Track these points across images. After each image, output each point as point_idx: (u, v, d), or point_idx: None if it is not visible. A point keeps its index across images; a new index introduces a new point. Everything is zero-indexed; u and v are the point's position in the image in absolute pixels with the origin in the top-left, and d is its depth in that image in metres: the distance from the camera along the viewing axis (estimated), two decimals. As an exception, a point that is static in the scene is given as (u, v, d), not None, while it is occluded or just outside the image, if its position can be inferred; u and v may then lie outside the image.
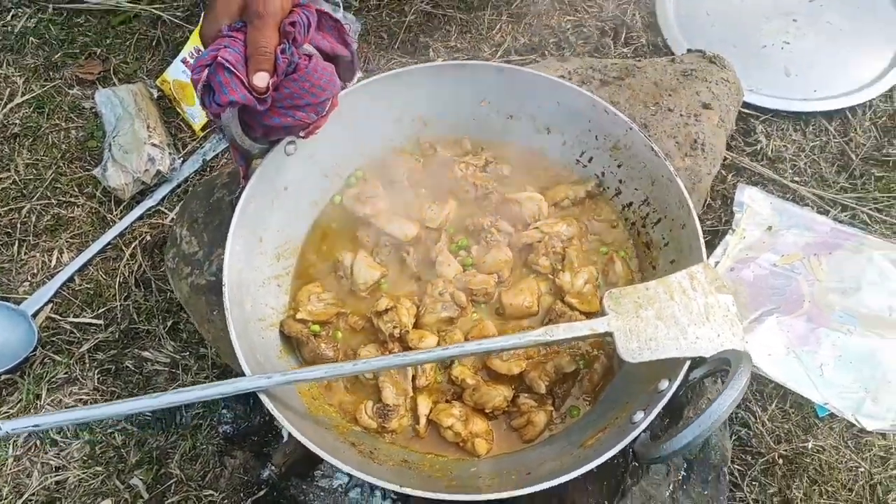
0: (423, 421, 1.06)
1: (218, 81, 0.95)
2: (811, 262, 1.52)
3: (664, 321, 1.00)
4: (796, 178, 1.61)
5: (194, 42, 1.65)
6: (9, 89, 1.66)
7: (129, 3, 1.79)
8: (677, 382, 0.97)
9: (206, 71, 0.96)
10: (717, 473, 1.07)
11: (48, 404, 1.35)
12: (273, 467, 1.30)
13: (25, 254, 1.51)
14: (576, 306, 1.11)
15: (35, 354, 1.40)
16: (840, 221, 1.56)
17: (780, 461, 1.34)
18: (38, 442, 1.33)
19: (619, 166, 1.19)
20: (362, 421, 1.06)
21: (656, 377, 1.01)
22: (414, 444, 1.06)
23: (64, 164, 1.60)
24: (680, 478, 1.06)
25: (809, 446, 1.34)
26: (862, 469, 1.34)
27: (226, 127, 1.03)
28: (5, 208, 1.55)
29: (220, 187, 1.29)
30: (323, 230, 1.20)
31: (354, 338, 1.12)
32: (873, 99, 1.67)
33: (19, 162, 1.60)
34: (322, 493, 1.30)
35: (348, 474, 1.31)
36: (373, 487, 1.31)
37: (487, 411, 1.06)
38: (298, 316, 1.11)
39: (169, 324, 1.44)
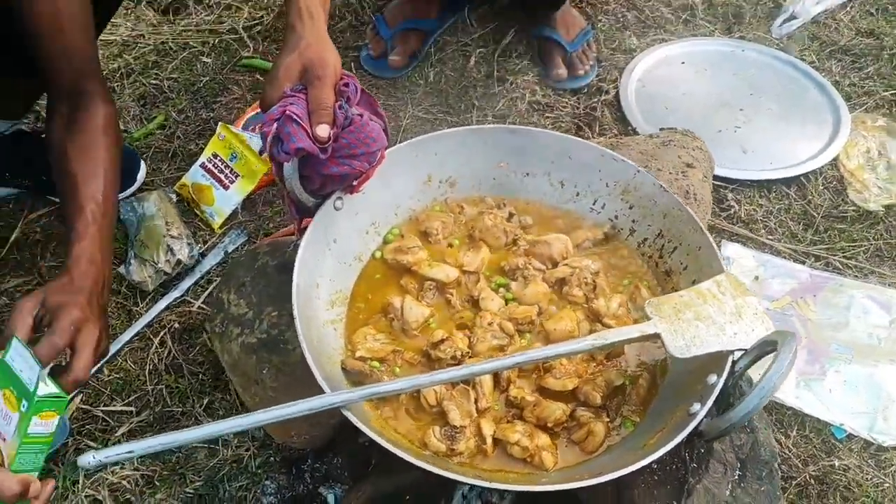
0: (489, 440, 1.10)
1: (286, 132, 1.07)
2: (800, 304, 1.66)
3: (703, 321, 1.10)
4: (770, 236, 1.79)
5: (212, 149, 1.78)
6: (30, 202, 1.73)
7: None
8: (725, 373, 1.05)
9: (276, 124, 1.08)
10: (769, 469, 1.13)
11: (88, 487, 1.32)
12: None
13: (53, 348, 1.51)
14: (613, 326, 1.20)
15: (68, 444, 1.38)
16: (816, 269, 1.72)
17: (812, 482, 1.40)
18: (72, 533, 1.29)
19: (630, 208, 1.33)
20: (431, 445, 1.09)
21: (701, 376, 1.09)
22: (483, 463, 1.10)
23: (88, 264, 1.65)
24: (736, 476, 1.12)
25: (836, 465, 1.41)
26: (887, 484, 1.41)
27: (288, 179, 1.14)
28: (32, 307, 1.57)
29: (262, 255, 1.36)
30: (368, 281, 1.28)
31: (412, 371, 1.17)
32: (822, 167, 1.91)
33: (43, 266, 1.64)
34: (374, 555, 1.28)
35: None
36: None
37: (549, 426, 1.11)
38: (358, 354, 1.17)
39: (205, 402, 1.45)
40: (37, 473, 1.02)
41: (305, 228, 1.20)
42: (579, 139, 1.34)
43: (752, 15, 2.31)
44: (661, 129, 1.76)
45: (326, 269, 1.22)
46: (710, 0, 2.34)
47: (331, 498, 1.36)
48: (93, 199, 1.18)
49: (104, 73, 2.00)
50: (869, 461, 1.43)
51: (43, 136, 1.67)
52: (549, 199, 1.38)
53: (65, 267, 1.13)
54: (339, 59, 1.14)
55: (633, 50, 2.19)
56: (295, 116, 1.07)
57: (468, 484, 1.07)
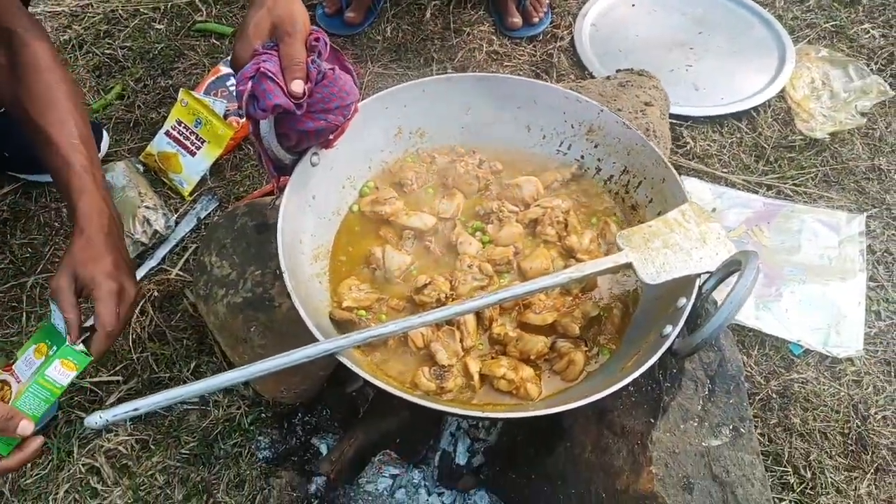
0: (476, 377, 1.15)
1: (262, 89, 1.08)
2: (755, 232, 1.74)
3: (671, 248, 1.16)
4: (724, 169, 1.86)
5: (175, 116, 1.77)
6: (-7, 180, 1.71)
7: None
8: (694, 295, 1.12)
9: (251, 82, 1.09)
10: (736, 383, 1.21)
11: (84, 456, 1.34)
12: (321, 477, 1.34)
13: (32, 325, 1.52)
14: (587, 261, 1.25)
15: (58, 416, 1.40)
16: (769, 197, 1.80)
17: (775, 396, 1.49)
18: (75, 497, 1.31)
19: (595, 147, 1.38)
20: (422, 384, 1.14)
21: (671, 301, 1.16)
22: (471, 399, 1.15)
23: (59, 239, 1.64)
24: (706, 392, 1.20)
25: (795, 378, 1.51)
26: (843, 393, 1.51)
27: (264, 136, 1.15)
28: (7, 285, 1.56)
29: (241, 216, 1.38)
30: (347, 234, 1.31)
31: (398, 317, 1.21)
32: (770, 99, 1.98)
33: (14, 243, 1.63)
34: (369, 498, 1.35)
35: (391, 475, 1.37)
36: (416, 487, 1.37)
37: (532, 358, 1.17)
38: (345, 304, 1.20)
39: (192, 366, 1.47)
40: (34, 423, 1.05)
41: (284, 186, 1.22)
42: (543, 83, 1.38)
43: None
44: (618, 71, 1.81)
45: (307, 224, 1.25)
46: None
47: (323, 447, 1.41)
48: (74, 148, 1.17)
49: (55, 45, 1.96)
50: (825, 373, 1.53)
51: None
52: (516, 143, 1.42)
53: (77, 227, 1.13)
54: (307, 14, 1.15)
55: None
56: (269, 73, 1.08)
57: (461, 416, 1.12)
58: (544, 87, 1.39)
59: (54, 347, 1.07)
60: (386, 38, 2.09)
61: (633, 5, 2.22)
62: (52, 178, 1.21)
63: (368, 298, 1.22)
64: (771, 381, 1.51)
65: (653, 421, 1.15)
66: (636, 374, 1.04)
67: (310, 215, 1.26)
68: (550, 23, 2.15)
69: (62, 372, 1.06)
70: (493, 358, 1.19)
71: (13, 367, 1.09)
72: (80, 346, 1.10)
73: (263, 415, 1.42)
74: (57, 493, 1.30)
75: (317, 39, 1.14)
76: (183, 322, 1.54)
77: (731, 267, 1.11)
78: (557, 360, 1.19)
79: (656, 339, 1.12)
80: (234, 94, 1.12)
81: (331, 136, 1.20)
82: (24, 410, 1.04)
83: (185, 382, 1.46)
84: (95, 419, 0.94)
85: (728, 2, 2.21)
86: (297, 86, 1.09)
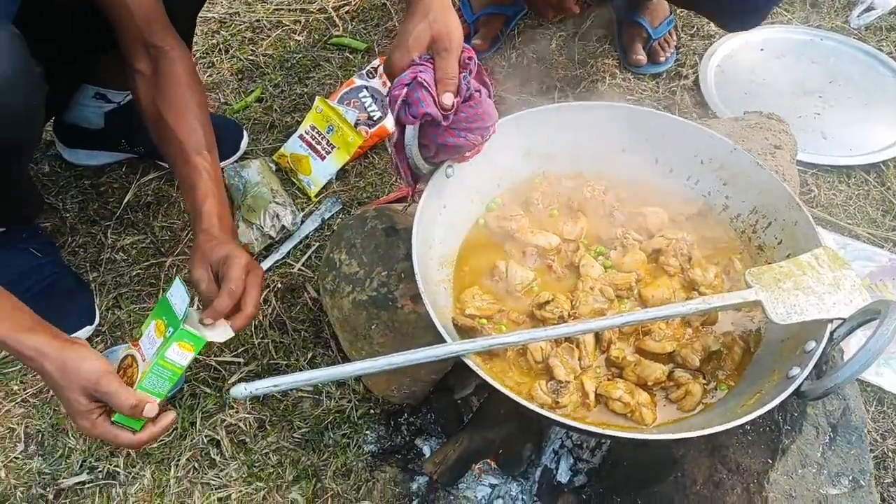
0: (592, 395, 1.17)
1: (416, 97, 1.15)
2: (879, 286, 1.70)
3: (802, 291, 1.16)
4: (849, 221, 1.82)
5: (310, 121, 1.87)
6: (141, 166, 1.84)
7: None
8: (825, 340, 1.11)
9: (406, 88, 1.16)
10: (858, 434, 1.18)
11: (206, 428, 1.42)
12: (423, 477, 1.38)
13: (167, 302, 1.62)
14: (712, 295, 1.26)
15: (184, 389, 1.49)
16: (895, 253, 1.75)
17: (891, 454, 1.44)
18: (195, 465, 1.39)
19: (724, 184, 1.39)
20: (538, 397, 1.16)
21: (798, 344, 1.15)
22: (585, 417, 1.17)
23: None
24: (827, 439, 1.17)
25: (913, 440, 1.46)
26: (964, 462, 1.44)
27: (408, 143, 1.21)
28: (147, 264, 1.68)
29: (371, 219, 1.45)
30: (472, 246, 1.36)
31: (517, 330, 1.25)
32: (901, 154, 1.93)
33: (155, 226, 1.75)
34: (467, 503, 1.37)
35: (490, 485, 1.39)
36: (514, 499, 1.39)
37: (649, 384, 1.18)
38: (467, 311, 1.25)
39: (308, 356, 1.54)
40: (159, 400, 1.12)
41: (417, 193, 1.28)
42: (677, 117, 1.39)
43: (830, 5, 2.33)
44: (746, 112, 1.80)
45: (437, 232, 1.30)
46: (787, -11, 2.36)
47: (426, 449, 1.45)
48: (201, 156, 1.30)
49: (204, 48, 2.11)
50: (947, 439, 1.47)
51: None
52: (643, 174, 1.44)
53: (202, 227, 1.25)
54: (462, 31, 1.20)
55: (711, 36, 2.23)
56: (425, 83, 1.15)
57: (580, 431, 1.13)
58: (677, 121, 1.40)
59: (171, 329, 1.13)
60: (511, 65, 2.14)
61: (762, 49, 2.21)
62: (178, 179, 1.34)
63: (490, 308, 1.26)
64: (888, 438, 1.46)
65: (770, 462, 1.14)
66: (761, 412, 1.04)
67: (440, 224, 1.31)
68: (675, 61, 2.17)
69: (181, 353, 1.12)
70: (609, 379, 1.20)
71: (139, 342, 1.16)
72: (225, 328, 1.16)
73: (372, 411, 1.47)
74: (179, 460, 1.38)
75: (469, 58, 1.20)
76: (302, 314, 1.62)
77: (867, 315, 1.09)
78: (674, 390, 1.19)
79: (781, 380, 1.11)
80: (387, 98, 1.18)
81: (467, 153, 1.26)
82: (150, 389, 1.11)
83: (301, 370, 1.53)
84: (241, 390, 1.00)
85: (862, 54, 2.17)
86: (448, 98, 1.15)
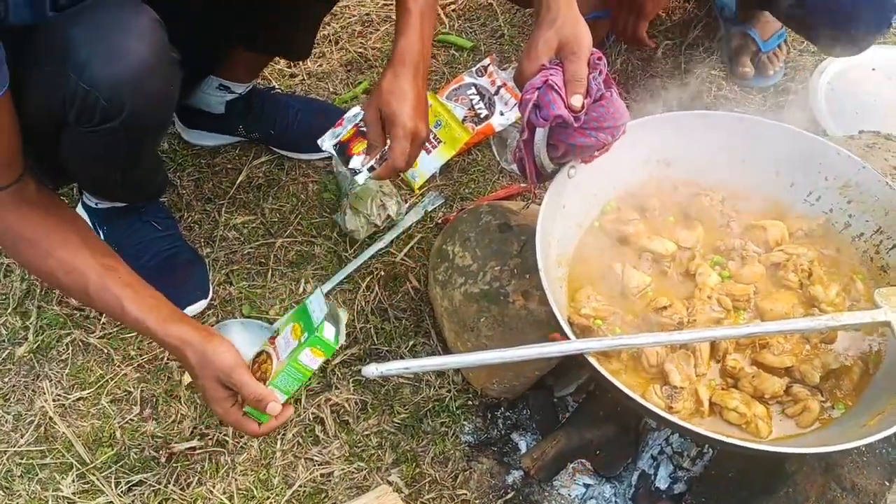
0: (706, 403, 1.17)
1: (547, 100, 1.17)
2: None
3: (934, 314, 1.13)
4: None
5: (417, 115, 1.91)
6: (254, 149, 1.91)
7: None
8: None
9: (538, 92, 1.18)
10: (982, 467, 1.15)
11: (312, 406, 1.47)
12: (519, 471, 1.40)
13: (275, 281, 1.68)
14: (830, 312, 1.24)
15: (287, 363, 1.54)
16: None
17: None
18: (300, 440, 1.44)
19: (848, 202, 1.37)
20: (652, 401, 1.17)
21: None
22: (698, 424, 1.17)
23: (304, 210, 1.81)
24: (948, 468, 1.15)
25: None
26: None
27: (537, 144, 1.24)
28: (257, 243, 1.74)
29: (485, 213, 1.48)
30: (587, 246, 1.37)
31: (631, 332, 1.25)
32: None
33: (265, 207, 1.81)
34: (562, 501, 1.38)
35: (584, 485, 1.40)
36: (608, 501, 1.39)
37: (766, 397, 1.18)
38: (583, 311, 1.26)
39: (410, 344, 1.58)
40: (284, 399, 1.18)
41: (537, 191, 1.30)
42: (804, 132, 1.38)
43: (951, 26, 2.26)
44: (861, 132, 1.77)
45: (556, 231, 1.32)
46: (905, 8, 2.29)
47: (522, 444, 1.47)
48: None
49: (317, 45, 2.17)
50: None
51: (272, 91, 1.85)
52: (762, 186, 1.43)
53: (391, 61, 1.28)
54: (590, 35, 1.22)
55: (821, 52, 2.19)
56: (556, 86, 1.17)
57: (700, 437, 1.13)
58: (804, 136, 1.39)
59: (306, 334, 1.18)
60: (615, 70, 2.14)
61: (874, 69, 2.15)
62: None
63: (606, 310, 1.27)
64: None
65: (887, 483, 1.12)
66: (887, 433, 1.02)
67: (559, 223, 1.33)
68: (783, 76, 2.13)
69: (312, 358, 1.17)
70: (723, 389, 1.20)
71: (276, 341, 1.22)
72: (329, 335, 1.18)
73: (470, 402, 1.49)
74: (285, 435, 1.43)
75: (599, 58, 1.22)
76: (403, 303, 1.65)
77: None
78: (791, 405, 1.18)
79: (905, 403, 1.09)
80: (518, 103, 1.21)
81: (596, 153, 1.27)
82: (279, 387, 1.17)
83: (402, 358, 1.56)
84: (372, 370, 1.04)
85: (983, 77, 2.10)
86: (577, 100, 1.17)
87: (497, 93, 1.93)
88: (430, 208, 1.82)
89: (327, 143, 1.41)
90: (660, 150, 1.43)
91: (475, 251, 1.42)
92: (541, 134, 1.22)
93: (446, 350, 1.53)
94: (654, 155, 1.44)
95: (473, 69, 1.97)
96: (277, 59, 2.06)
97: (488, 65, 1.95)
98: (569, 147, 1.24)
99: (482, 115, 1.91)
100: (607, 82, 1.23)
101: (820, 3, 1.71)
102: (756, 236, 1.35)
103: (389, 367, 1.04)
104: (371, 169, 1.35)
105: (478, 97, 1.93)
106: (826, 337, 1.25)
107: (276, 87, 2.03)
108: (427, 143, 1.87)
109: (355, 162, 1.35)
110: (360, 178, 1.34)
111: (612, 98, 1.21)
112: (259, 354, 1.22)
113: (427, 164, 1.87)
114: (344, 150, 1.39)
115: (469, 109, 1.92)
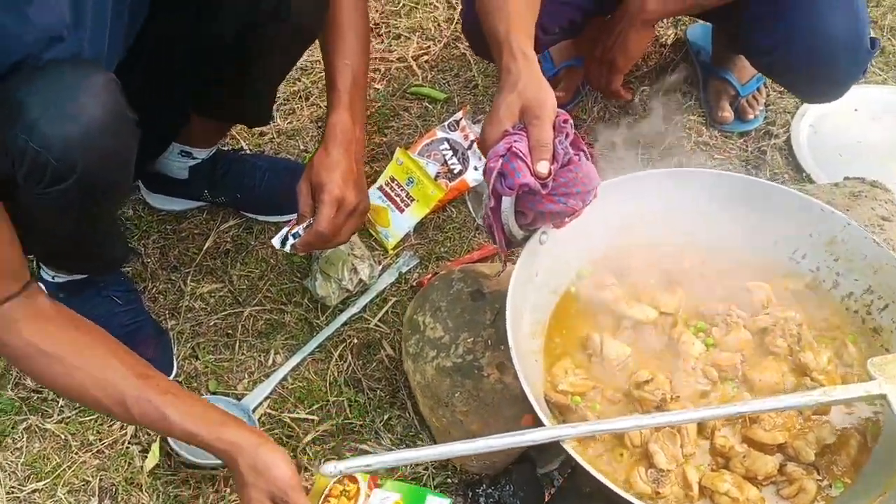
0: (695, 488, 1.09)
1: (512, 168, 1.11)
2: None
3: (932, 385, 1.06)
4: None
5: (390, 173, 1.85)
6: (222, 213, 1.85)
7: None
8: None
9: (501, 160, 1.12)
10: None
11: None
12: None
13: (243, 354, 1.61)
14: (823, 383, 1.17)
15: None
16: None
17: None
18: None
19: (835, 260, 1.31)
20: (637, 486, 1.09)
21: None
22: (688, 511, 1.09)
23: (274, 275, 1.74)
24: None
25: None
26: None
27: (504, 212, 1.18)
28: (224, 313, 1.67)
29: (457, 281, 1.41)
30: (563, 315, 1.31)
31: (612, 409, 1.18)
32: None
33: (233, 274, 1.74)
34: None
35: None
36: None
37: (759, 478, 1.10)
38: (560, 387, 1.19)
39: (384, 418, 1.50)
40: None
41: (507, 258, 1.24)
42: (783, 187, 1.32)
43: (930, 64, 2.23)
44: (846, 179, 1.72)
45: (529, 300, 1.25)
46: (882, 48, 2.26)
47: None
48: (344, 68, 1.34)
49: (284, 95, 2.13)
50: None
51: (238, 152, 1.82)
52: (744, 246, 1.37)
53: (323, 139, 1.33)
54: (554, 97, 1.17)
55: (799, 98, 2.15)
56: (520, 153, 1.11)
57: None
58: (785, 192, 1.34)
59: None
60: (592, 118, 2.10)
61: (856, 110, 2.12)
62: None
63: (585, 385, 1.20)
64: None
65: (893, 573, 1.04)
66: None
67: (531, 291, 1.26)
68: (764, 119, 2.09)
69: None
70: (713, 470, 1.12)
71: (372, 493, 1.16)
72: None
73: (449, 479, 1.41)
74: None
75: (565, 121, 1.16)
76: (378, 372, 1.58)
77: None
78: (786, 485, 1.11)
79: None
80: (483, 171, 1.15)
81: (567, 219, 1.21)
82: None
83: (376, 433, 1.48)
84: (330, 469, 0.96)
85: (966, 115, 2.06)
86: (544, 167, 1.11)
87: (470, 147, 1.88)
88: (404, 269, 1.75)
89: (278, 241, 1.40)
90: (634, 211, 1.37)
91: (446, 322, 1.35)
92: (507, 202, 1.16)
93: (423, 423, 1.46)
94: (629, 216, 1.38)
95: (446, 123, 1.92)
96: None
97: (461, 118, 1.90)
98: (537, 214, 1.18)
99: (456, 171, 1.85)
100: (576, 144, 1.18)
101: (795, 48, 1.67)
102: (741, 299, 1.29)
103: (349, 464, 0.97)
104: (295, 236, 1.36)
105: (451, 152, 1.88)
106: (819, 409, 1.18)
107: (245, 146, 1.98)
108: (400, 202, 1.83)
109: (281, 233, 1.38)
110: (276, 242, 1.38)
111: (581, 162, 1.16)
112: (334, 485, 1.15)
113: (400, 224, 1.81)
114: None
115: (442, 165, 1.87)
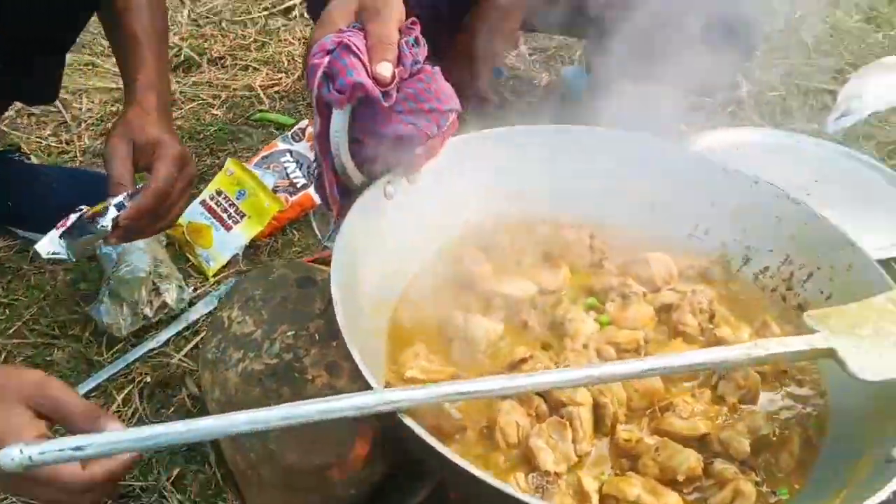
0: (594, 498, 0.76)
1: (343, 64, 0.83)
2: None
3: (886, 339, 0.81)
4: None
5: (217, 185, 1.53)
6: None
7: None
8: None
9: (328, 57, 0.84)
10: None
11: None
12: None
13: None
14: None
15: None
16: None
17: None
18: None
19: (743, 231, 1.08)
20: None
21: (890, 415, 0.79)
22: (587, 530, 0.75)
23: (47, 305, 1.34)
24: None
25: None
26: None
27: (335, 135, 0.87)
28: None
29: (279, 268, 1.07)
30: (418, 293, 0.99)
31: (478, 403, 0.84)
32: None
33: (-9, 300, 1.32)
34: None
35: None
36: None
37: (679, 479, 0.78)
38: (407, 374, 0.85)
39: (174, 473, 1.08)
40: None
41: (344, 214, 0.92)
42: (681, 147, 1.11)
43: (802, 112, 2.20)
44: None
45: (369, 267, 0.93)
46: (756, 96, 2.23)
47: None
48: (144, 31, 1.16)
49: (98, 115, 1.81)
50: None
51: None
52: (636, 223, 1.12)
53: (133, 99, 1.11)
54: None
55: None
56: (354, 47, 0.83)
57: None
58: (678, 151, 1.12)
59: None
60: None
61: (737, 149, 2.01)
62: (115, 55, 1.21)
63: (441, 372, 0.86)
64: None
65: None
66: (873, 505, 0.65)
67: (373, 257, 0.94)
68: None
69: None
70: (618, 474, 0.80)
71: None
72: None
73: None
74: None
75: (413, 23, 0.90)
76: (176, 417, 1.17)
77: None
78: (715, 491, 0.79)
79: (878, 467, 0.74)
80: (307, 70, 0.85)
81: (417, 153, 0.92)
82: None
83: (161, 493, 1.06)
84: (14, 453, 0.56)
85: (843, 157, 1.99)
86: (385, 68, 0.83)
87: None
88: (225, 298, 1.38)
89: (47, 244, 1.02)
90: (509, 175, 1.11)
91: (260, 313, 1.00)
92: (339, 120, 0.86)
93: (229, 476, 1.05)
94: (503, 182, 1.11)
95: (289, 133, 1.64)
96: (42, 131, 1.67)
97: (306, 126, 1.62)
98: (381, 141, 0.88)
99: (299, 185, 1.55)
100: (428, 58, 0.92)
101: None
102: (637, 273, 1.02)
103: (45, 448, 0.57)
104: (120, 207, 1.02)
105: (294, 164, 1.58)
106: (746, 395, 0.89)
107: (31, 157, 1.61)
108: (227, 218, 1.49)
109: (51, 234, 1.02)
110: (46, 247, 1.01)
111: (435, 73, 0.89)
112: None
113: (226, 244, 1.47)
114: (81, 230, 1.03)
115: (283, 178, 1.56)
